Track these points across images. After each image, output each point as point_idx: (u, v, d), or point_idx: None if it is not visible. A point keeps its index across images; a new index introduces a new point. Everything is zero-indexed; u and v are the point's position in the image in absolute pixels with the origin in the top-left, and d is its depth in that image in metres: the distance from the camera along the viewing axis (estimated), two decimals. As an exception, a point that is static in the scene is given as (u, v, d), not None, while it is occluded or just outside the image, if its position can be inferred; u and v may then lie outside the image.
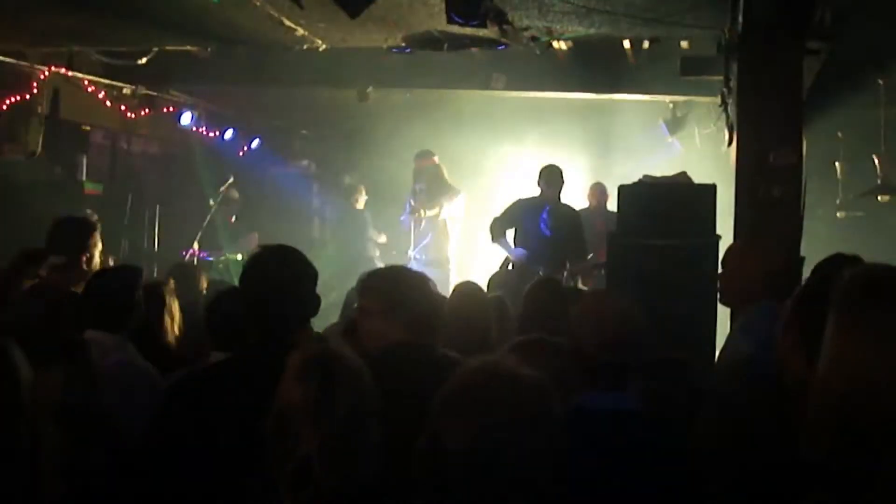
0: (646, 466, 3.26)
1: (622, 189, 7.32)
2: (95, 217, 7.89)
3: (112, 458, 3.79)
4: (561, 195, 10.11)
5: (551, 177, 10.06)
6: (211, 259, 11.39)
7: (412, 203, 11.46)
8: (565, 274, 9.45)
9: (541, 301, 5.84)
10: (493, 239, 10.18)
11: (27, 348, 3.26)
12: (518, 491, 2.46)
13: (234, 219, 12.04)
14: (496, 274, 9.24)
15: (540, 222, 9.88)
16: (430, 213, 11.48)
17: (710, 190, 7.04)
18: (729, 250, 5.09)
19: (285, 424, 2.92)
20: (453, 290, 6.06)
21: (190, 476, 3.46)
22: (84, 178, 11.34)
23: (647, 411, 3.42)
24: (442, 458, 2.48)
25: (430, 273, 10.65)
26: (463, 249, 12.04)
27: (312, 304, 3.95)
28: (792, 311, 2.91)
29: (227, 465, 3.31)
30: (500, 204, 10.82)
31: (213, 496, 3.37)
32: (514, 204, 10.27)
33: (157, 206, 12.13)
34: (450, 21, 8.25)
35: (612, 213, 8.90)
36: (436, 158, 11.66)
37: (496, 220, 10.21)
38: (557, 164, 10.25)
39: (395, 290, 4.19)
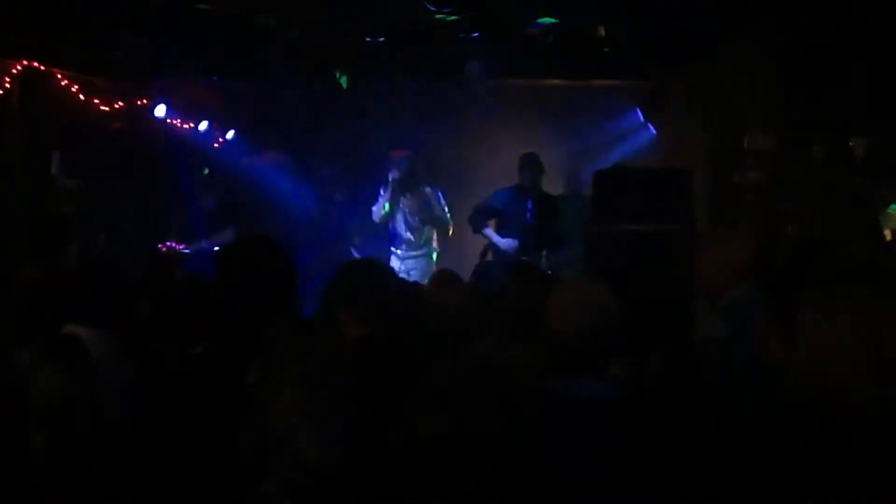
0: (619, 454, 3.26)
1: (597, 175, 7.33)
2: (72, 212, 7.86)
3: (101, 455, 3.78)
4: (542, 183, 10.15)
5: (532, 164, 10.09)
6: (188, 252, 11.35)
7: (383, 194, 11.33)
8: (543, 259, 9.48)
9: (522, 289, 5.84)
10: (475, 230, 10.21)
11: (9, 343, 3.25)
12: (494, 479, 2.47)
13: (211, 211, 11.98)
14: (481, 264, 9.26)
15: (525, 211, 9.91)
16: (404, 206, 11.33)
17: (687, 175, 7.06)
18: (704, 238, 5.11)
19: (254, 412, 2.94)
20: (430, 279, 6.07)
21: (177, 469, 3.46)
22: (59, 172, 11.27)
23: (622, 399, 3.43)
24: (418, 449, 2.49)
25: (413, 264, 10.68)
26: (448, 240, 11.92)
27: (292, 295, 3.95)
28: (770, 295, 2.92)
29: (208, 458, 3.31)
30: (478, 194, 10.85)
31: (199, 488, 3.37)
32: (497, 193, 10.30)
33: (133, 200, 12.07)
34: (424, 8, 8.25)
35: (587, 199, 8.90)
36: (406, 151, 11.52)
37: (477, 211, 10.24)
38: (535, 151, 10.27)
39: (359, 282, 4.21)
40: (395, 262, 11.03)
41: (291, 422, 2.90)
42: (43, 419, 3.41)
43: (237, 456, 3.02)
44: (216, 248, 10.69)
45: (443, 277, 6.07)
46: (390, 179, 11.07)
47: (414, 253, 11.24)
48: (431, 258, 11.30)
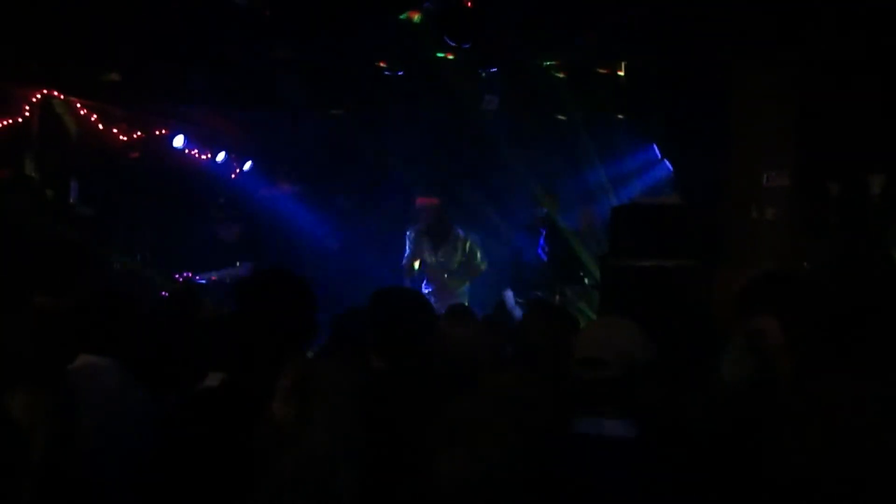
0: (632, 493, 3.24)
1: (615, 210, 7.33)
2: (87, 241, 7.87)
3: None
4: (556, 217, 10.13)
5: (546, 199, 10.08)
6: (204, 282, 11.35)
7: (409, 246, 11.09)
8: (557, 298, 9.44)
9: (537, 324, 5.81)
10: None
11: (18, 373, 3.25)
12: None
13: (227, 242, 11.98)
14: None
15: (537, 248, 9.89)
16: (433, 255, 11.01)
17: (703, 211, 7.05)
18: (719, 274, 5.10)
19: (273, 445, 2.94)
20: (444, 314, 6.02)
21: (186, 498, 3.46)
22: (76, 200, 11.31)
23: (638, 438, 3.39)
24: (434, 482, 2.48)
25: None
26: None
27: (310, 328, 3.94)
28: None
29: (221, 488, 3.30)
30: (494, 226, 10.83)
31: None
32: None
33: (150, 229, 12.10)
34: (443, 43, 8.29)
35: (604, 234, 8.90)
36: (434, 200, 11.24)
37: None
38: (547, 185, 10.27)
39: (378, 314, 4.22)
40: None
41: (327, 449, 2.91)
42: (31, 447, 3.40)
43: (251, 485, 3.02)
44: (231, 279, 10.71)
45: (455, 312, 6.02)
46: (416, 229, 10.91)
47: (443, 294, 10.78)
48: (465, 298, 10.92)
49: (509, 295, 10.00)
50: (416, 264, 10.96)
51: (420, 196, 11.20)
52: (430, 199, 11.08)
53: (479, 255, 10.90)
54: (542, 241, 9.98)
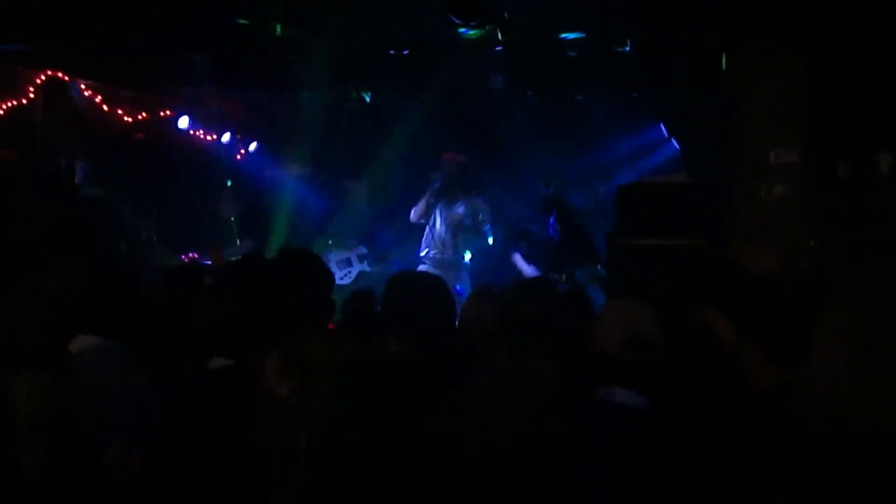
0: (655, 463, 3.27)
1: (620, 189, 7.30)
2: (93, 221, 7.86)
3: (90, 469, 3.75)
4: (564, 196, 10.09)
5: (553, 178, 10.04)
6: (208, 263, 11.35)
7: (426, 196, 10.86)
8: (563, 277, 9.41)
9: (537, 303, 5.81)
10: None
11: (19, 352, 3.22)
12: (527, 488, 2.46)
13: (232, 223, 11.98)
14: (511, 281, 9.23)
15: (548, 227, 9.85)
16: (445, 211, 10.82)
17: (710, 190, 7.02)
18: (727, 252, 5.07)
19: (274, 421, 2.92)
20: (469, 295, 6.03)
21: (194, 481, 3.44)
22: (82, 181, 11.30)
23: (662, 409, 3.46)
24: (457, 460, 2.48)
25: (441, 273, 10.51)
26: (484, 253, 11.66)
27: (325, 308, 3.92)
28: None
29: (228, 470, 3.28)
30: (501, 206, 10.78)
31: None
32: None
33: (155, 210, 12.09)
34: (449, 20, 8.24)
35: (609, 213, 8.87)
36: (460, 157, 11.06)
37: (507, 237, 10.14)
38: (555, 165, 10.23)
39: (394, 299, 4.18)
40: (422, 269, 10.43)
41: (329, 427, 2.91)
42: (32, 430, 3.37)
43: (252, 466, 3.00)
44: (236, 259, 10.70)
45: (481, 293, 6.02)
46: (435, 182, 10.71)
47: (443, 258, 10.70)
48: (460, 268, 10.76)
49: (519, 259, 10.00)
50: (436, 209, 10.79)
51: (446, 151, 11.10)
52: (454, 154, 10.96)
53: (487, 224, 10.73)
54: (552, 220, 9.94)
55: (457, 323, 5.03)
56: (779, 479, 2.25)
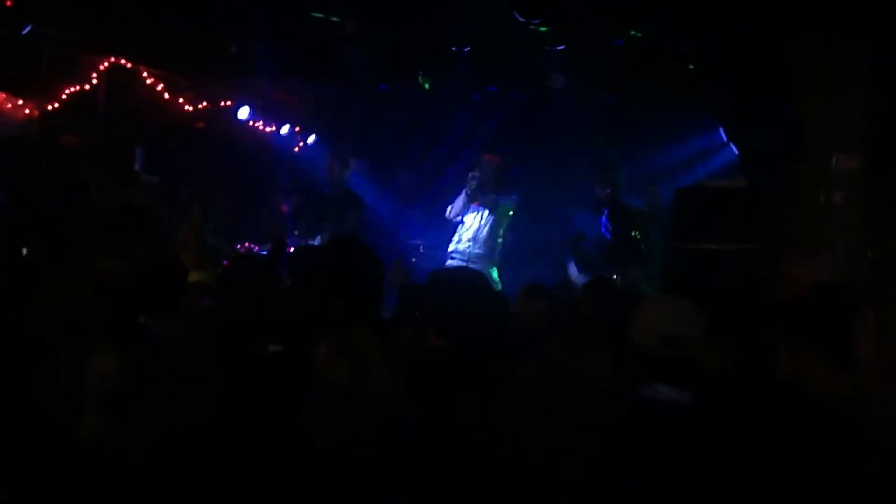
0: (694, 458, 3.26)
1: (679, 192, 7.27)
2: (152, 207, 7.94)
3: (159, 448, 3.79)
4: (619, 197, 10.05)
5: (609, 178, 9.99)
6: (265, 253, 11.40)
7: (463, 197, 10.86)
8: (617, 278, 9.36)
9: (597, 302, 5.81)
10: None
11: (85, 334, 3.26)
12: (574, 479, 2.46)
13: (288, 214, 12.04)
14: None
15: (600, 226, 9.83)
16: (480, 205, 10.62)
17: (769, 194, 6.98)
18: (784, 257, 5.02)
19: (327, 407, 2.95)
20: (521, 292, 6.06)
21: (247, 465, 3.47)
22: (141, 168, 11.41)
23: (703, 405, 3.45)
24: (500, 451, 2.49)
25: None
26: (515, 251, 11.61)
27: (375, 298, 3.93)
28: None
29: (281, 454, 3.31)
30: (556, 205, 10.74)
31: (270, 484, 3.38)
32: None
33: (213, 200, 12.19)
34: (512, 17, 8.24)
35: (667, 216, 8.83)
36: (497, 158, 11.04)
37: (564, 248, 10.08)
38: (610, 165, 10.20)
39: (437, 295, 4.20)
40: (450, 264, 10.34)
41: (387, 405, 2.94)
42: (102, 407, 3.42)
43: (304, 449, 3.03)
44: (293, 251, 10.74)
45: (531, 291, 6.05)
46: (472, 180, 10.49)
47: (471, 254, 10.52)
48: (488, 262, 10.51)
49: (573, 267, 9.95)
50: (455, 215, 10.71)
51: (487, 152, 11.01)
52: (492, 155, 10.84)
53: (498, 235, 10.61)
54: (603, 219, 9.91)
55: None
56: (845, 482, 2.25)
